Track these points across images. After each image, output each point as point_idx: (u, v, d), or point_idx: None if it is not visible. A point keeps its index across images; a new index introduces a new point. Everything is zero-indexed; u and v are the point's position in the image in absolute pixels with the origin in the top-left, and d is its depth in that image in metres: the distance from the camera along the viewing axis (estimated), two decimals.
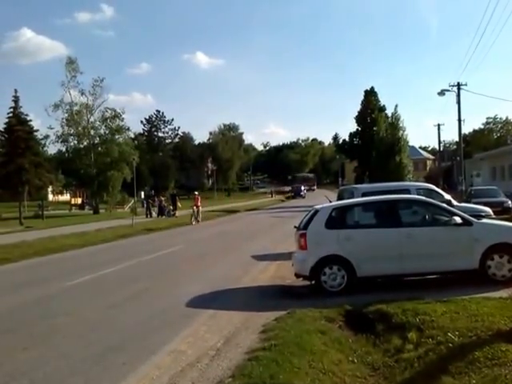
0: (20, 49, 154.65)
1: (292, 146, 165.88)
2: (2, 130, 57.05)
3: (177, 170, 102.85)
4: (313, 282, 10.39)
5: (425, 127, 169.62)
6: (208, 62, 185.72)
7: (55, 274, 14.97)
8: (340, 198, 16.47)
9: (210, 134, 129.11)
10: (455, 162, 60.10)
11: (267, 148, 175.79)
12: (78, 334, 8.40)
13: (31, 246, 20.93)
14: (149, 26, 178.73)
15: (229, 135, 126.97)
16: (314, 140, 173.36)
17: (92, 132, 56.44)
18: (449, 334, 6.58)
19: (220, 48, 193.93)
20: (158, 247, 20.43)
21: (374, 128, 59.05)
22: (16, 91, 55.75)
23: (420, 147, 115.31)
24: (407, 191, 14.39)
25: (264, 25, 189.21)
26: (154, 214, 42.42)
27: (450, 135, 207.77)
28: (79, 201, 73.14)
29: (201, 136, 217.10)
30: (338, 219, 10.71)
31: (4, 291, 12.58)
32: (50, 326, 8.89)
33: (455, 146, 79.18)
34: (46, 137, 56.18)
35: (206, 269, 14.71)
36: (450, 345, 6.30)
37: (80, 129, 55.47)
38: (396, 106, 59.52)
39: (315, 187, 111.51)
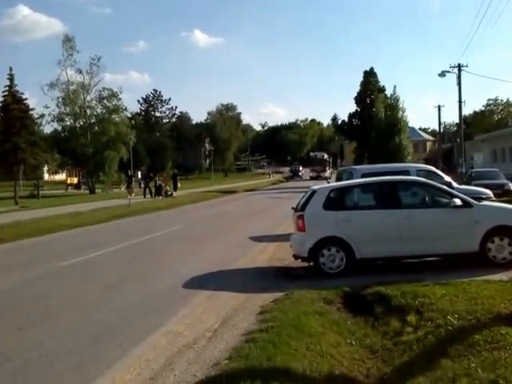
0: (16, 26, 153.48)
1: (290, 127, 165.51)
2: None
3: (174, 150, 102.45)
4: (311, 263, 10.31)
5: (425, 108, 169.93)
6: (206, 41, 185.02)
7: (49, 255, 14.88)
8: (339, 179, 16.37)
9: (208, 113, 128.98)
10: (455, 144, 59.99)
11: (265, 128, 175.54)
12: (72, 314, 8.33)
13: (25, 226, 20.80)
14: (146, 4, 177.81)
15: (227, 115, 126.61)
16: (313, 121, 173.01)
17: (88, 111, 56.09)
18: (448, 317, 6.55)
19: (219, 26, 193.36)
20: (154, 228, 20.34)
21: (374, 109, 58.73)
22: (11, 69, 54.99)
23: (420, 129, 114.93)
24: (407, 173, 14.29)
25: (262, 3, 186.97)
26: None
27: (451, 117, 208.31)
28: (75, 180, 72.85)
29: (198, 116, 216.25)
30: (337, 200, 10.60)
31: None
32: (45, 306, 8.81)
33: (455, 128, 78.95)
34: (42, 116, 55.79)
35: (203, 249, 14.65)
36: (450, 328, 6.27)
37: (76, 108, 55.09)
38: (394, 86, 59.68)
39: (328, 173, 74.09)
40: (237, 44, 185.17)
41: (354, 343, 6.63)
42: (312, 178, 73.55)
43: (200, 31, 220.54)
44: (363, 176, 13.72)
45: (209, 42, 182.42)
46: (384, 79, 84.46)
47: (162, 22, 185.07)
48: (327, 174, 73.51)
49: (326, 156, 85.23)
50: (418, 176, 13.70)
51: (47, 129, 64.02)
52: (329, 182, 14.59)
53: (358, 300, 8.32)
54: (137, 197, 38.27)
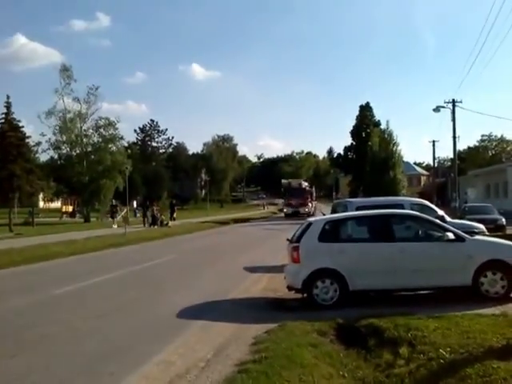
0: (13, 55, 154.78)
1: (286, 159, 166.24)
2: None
3: (170, 180, 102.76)
4: (305, 295, 10.32)
5: (420, 143, 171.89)
6: (204, 74, 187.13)
7: (43, 282, 14.80)
8: (334, 211, 16.46)
9: (204, 144, 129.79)
10: (449, 179, 60.35)
11: (261, 160, 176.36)
12: (65, 343, 8.27)
13: (20, 253, 20.66)
14: (145, 36, 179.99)
15: (223, 146, 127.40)
16: (309, 153, 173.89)
17: (85, 140, 56.28)
18: (440, 350, 6.56)
19: (216, 60, 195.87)
20: (148, 257, 20.24)
21: (369, 143, 59.41)
22: (8, 97, 55.59)
23: (415, 163, 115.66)
24: (401, 206, 14.43)
25: (260, 38, 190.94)
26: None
27: (445, 152, 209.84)
28: (70, 208, 72.74)
29: (195, 146, 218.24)
30: (332, 232, 10.67)
31: None
32: (38, 334, 8.75)
33: (450, 163, 79.46)
34: (39, 143, 56.02)
35: (197, 280, 14.61)
36: (442, 361, 6.28)
37: (73, 136, 55.30)
38: (387, 121, 60.33)
39: (311, 207, 60.33)
40: (234, 77, 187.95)
41: (346, 375, 6.62)
42: (287, 216, 55.19)
43: (198, 65, 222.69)
44: (358, 209, 13.85)
45: (206, 75, 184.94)
46: (379, 114, 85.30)
47: (160, 54, 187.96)
48: (309, 208, 57.31)
49: (305, 184, 63.48)
50: (411, 210, 13.81)
51: (43, 157, 64.29)
52: (324, 215, 14.65)
53: (352, 332, 8.33)
54: (133, 226, 38.14)
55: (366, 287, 10.16)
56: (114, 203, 46.04)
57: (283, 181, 65.53)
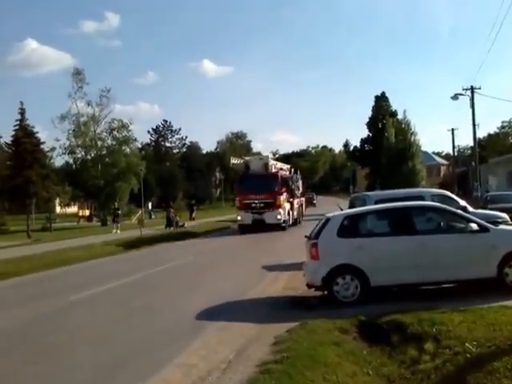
0: (25, 60, 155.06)
1: (302, 154, 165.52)
2: (9, 142, 57.40)
3: (185, 180, 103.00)
4: (325, 292, 10.20)
5: (438, 132, 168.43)
6: (215, 70, 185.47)
7: (62, 288, 14.84)
8: (352, 205, 16.25)
9: (218, 142, 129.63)
10: (470, 168, 59.47)
11: (276, 156, 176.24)
12: (85, 348, 8.26)
13: (38, 259, 20.82)
14: (155, 35, 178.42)
15: (237, 143, 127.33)
16: (325, 147, 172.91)
17: (99, 143, 56.60)
18: (466, 344, 6.45)
19: (227, 55, 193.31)
20: (166, 259, 20.26)
21: (386, 134, 58.58)
22: (22, 103, 55.92)
23: (433, 152, 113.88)
24: (421, 198, 14.16)
25: (271, 30, 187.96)
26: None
27: (465, 140, 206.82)
28: (87, 213, 73.21)
29: (208, 145, 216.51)
30: (351, 228, 10.51)
31: (11, 305, 12.51)
32: (58, 340, 8.76)
33: (470, 151, 78.40)
34: (53, 149, 56.39)
35: (216, 280, 14.54)
36: (468, 355, 6.18)
37: (87, 140, 55.63)
38: (404, 111, 59.24)
39: (293, 205, 34.45)
40: (246, 72, 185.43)
41: (370, 373, 6.56)
42: (243, 230, 31.28)
43: (209, 60, 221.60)
44: (377, 202, 13.59)
45: (218, 71, 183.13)
46: (396, 103, 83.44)
47: (170, 52, 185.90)
48: (284, 212, 31.26)
49: (276, 165, 34.89)
50: (432, 201, 13.54)
51: (58, 161, 64.75)
52: (342, 209, 14.48)
53: (374, 328, 8.22)
54: (147, 228, 38.19)
55: (388, 282, 9.99)
56: (116, 206, 45.49)
57: (233, 161, 34.65)
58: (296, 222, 34.71)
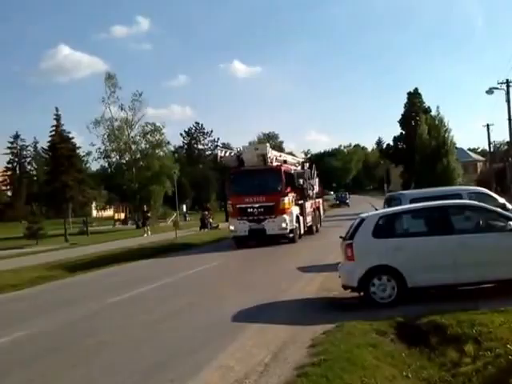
0: (58, 66, 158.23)
1: (333, 153, 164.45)
2: (46, 148, 58.73)
3: (217, 182, 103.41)
4: (361, 293, 10.11)
5: (473, 128, 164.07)
6: (245, 70, 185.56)
7: (98, 291, 15.11)
8: (387, 205, 16.05)
9: (250, 143, 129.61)
10: (507, 163, 58.12)
11: (308, 156, 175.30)
12: (123, 351, 8.37)
13: (76, 263, 21.23)
14: (184, 37, 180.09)
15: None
16: (357, 146, 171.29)
17: (133, 147, 57.39)
18: (508, 346, 6.34)
19: (257, 55, 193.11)
20: (199, 262, 20.23)
21: (419, 131, 57.55)
22: (57, 109, 57.21)
23: (469, 149, 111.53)
24: (458, 196, 13.88)
25: (302, 29, 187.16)
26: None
27: (501, 135, 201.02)
28: (122, 216, 74.28)
29: (240, 146, 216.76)
30: (386, 228, 10.38)
31: (50, 309, 12.78)
32: (97, 343, 8.88)
33: (506, 147, 76.54)
34: (89, 153, 57.50)
35: (249, 282, 14.54)
36: (510, 357, 6.03)
37: (121, 144, 56.49)
38: (438, 107, 58.28)
39: (305, 210, 26.62)
40: (276, 72, 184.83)
41: (410, 376, 6.45)
42: (239, 242, 24.33)
43: (238, 61, 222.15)
44: (412, 201, 13.37)
45: (248, 72, 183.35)
46: (429, 100, 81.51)
47: (201, 54, 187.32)
48: (291, 218, 23.96)
49: (278, 157, 26.79)
50: (470, 199, 13.25)
51: (94, 166, 65.88)
52: (376, 209, 14.31)
53: (412, 330, 8.10)
54: (182, 230, 38.47)
55: (425, 283, 9.82)
56: (145, 209, 45.71)
57: (221, 153, 27.11)
58: (311, 231, 28.25)
